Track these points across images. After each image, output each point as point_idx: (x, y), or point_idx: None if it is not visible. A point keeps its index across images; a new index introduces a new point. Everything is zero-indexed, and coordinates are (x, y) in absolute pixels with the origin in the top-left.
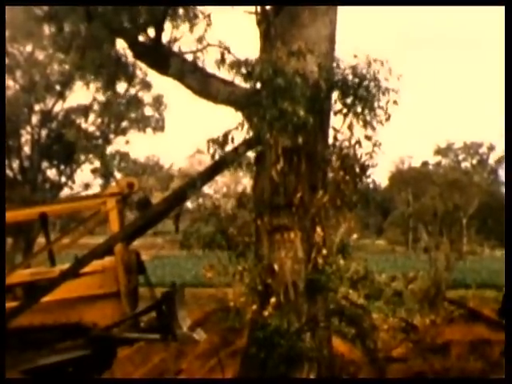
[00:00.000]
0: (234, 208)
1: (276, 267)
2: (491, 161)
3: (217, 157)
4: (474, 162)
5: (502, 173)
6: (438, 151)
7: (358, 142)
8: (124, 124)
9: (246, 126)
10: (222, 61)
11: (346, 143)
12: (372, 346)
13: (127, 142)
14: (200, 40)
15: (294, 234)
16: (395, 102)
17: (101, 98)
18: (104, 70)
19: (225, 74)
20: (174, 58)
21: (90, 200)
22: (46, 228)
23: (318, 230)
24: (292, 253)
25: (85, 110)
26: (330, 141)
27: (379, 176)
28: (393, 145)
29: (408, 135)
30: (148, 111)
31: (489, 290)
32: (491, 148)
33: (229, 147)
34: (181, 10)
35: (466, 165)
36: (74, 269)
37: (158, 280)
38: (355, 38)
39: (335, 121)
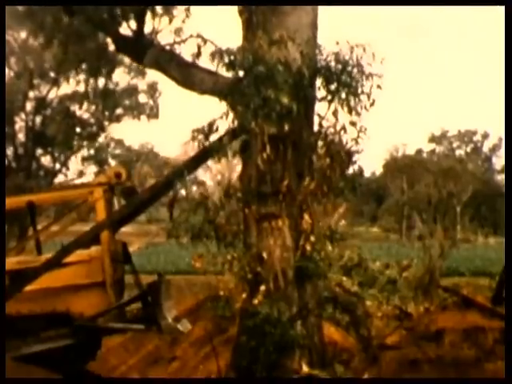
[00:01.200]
0: (221, 197)
1: (265, 255)
2: (485, 149)
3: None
4: (468, 149)
5: (495, 161)
6: (433, 139)
7: (343, 128)
8: (118, 111)
9: (231, 115)
10: (198, 54)
11: (332, 130)
12: (366, 333)
13: (106, 137)
14: (177, 32)
15: (282, 221)
16: (379, 87)
17: (95, 85)
18: (86, 64)
19: (208, 64)
20: (151, 49)
21: (77, 189)
22: (33, 217)
23: (306, 217)
24: (280, 240)
25: (79, 97)
26: (316, 128)
27: (373, 164)
28: (387, 132)
29: (402, 123)
30: (142, 98)
31: (482, 278)
32: (485, 136)
33: (214, 136)
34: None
35: (460, 153)
36: (58, 257)
37: (152, 267)
38: (349, 25)
39: (320, 108)
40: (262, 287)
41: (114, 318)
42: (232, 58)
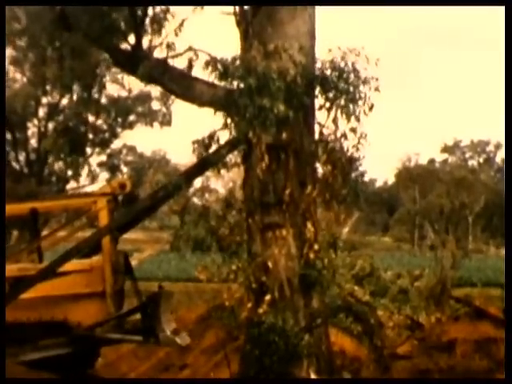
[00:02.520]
0: (224, 208)
1: (270, 264)
2: (498, 159)
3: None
4: (481, 160)
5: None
6: (445, 149)
7: (344, 135)
8: (131, 118)
9: (231, 125)
10: (190, 67)
11: (332, 137)
12: (379, 343)
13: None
14: (170, 46)
15: (286, 230)
16: (377, 89)
17: (108, 92)
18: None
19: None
20: (144, 62)
21: (81, 198)
22: (36, 223)
23: (309, 225)
24: (285, 250)
25: (92, 104)
26: (316, 136)
27: (385, 173)
28: (399, 142)
29: (415, 132)
30: (155, 105)
31: (494, 289)
32: (498, 146)
33: (214, 147)
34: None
35: (472, 163)
36: (55, 265)
37: (163, 274)
38: (355, 35)
39: (320, 116)
40: (267, 297)
41: (113, 329)
42: (225, 67)
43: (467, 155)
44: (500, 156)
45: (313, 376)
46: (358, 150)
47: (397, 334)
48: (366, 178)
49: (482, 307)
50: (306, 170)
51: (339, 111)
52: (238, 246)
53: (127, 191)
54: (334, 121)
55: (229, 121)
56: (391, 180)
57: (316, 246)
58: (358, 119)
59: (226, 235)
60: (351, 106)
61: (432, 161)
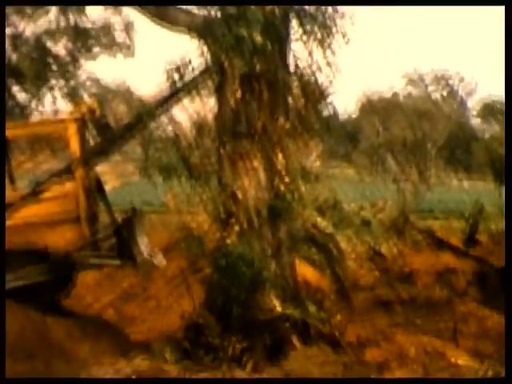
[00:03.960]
0: (195, 136)
1: (239, 195)
2: (461, 91)
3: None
4: (445, 93)
5: (471, 104)
6: (409, 81)
7: (319, 68)
8: (94, 49)
9: (207, 53)
10: None
11: (308, 70)
12: (341, 273)
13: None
14: None
15: (257, 161)
16: (352, 24)
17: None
18: None
19: None
20: None
21: (51, 125)
22: (7, 151)
23: (280, 157)
24: (255, 180)
25: (55, 34)
26: (292, 68)
27: (349, 106)
28: (363, 75)
29: (378, 65)
30: (119, 37)
31: (456, 221)
32: (461, 79)
33: (189, 75)
34: None
35: (435, 96)
36: (33, 193)
37: (128, 207)
38: None
39: (296, 48)
40: (236, 227)
41: (90, 254)
42: None
43: (430, 88)
44: (462, 89)
45: (277, 305)
46: (331, 83)
47: (359, 266)
48: (332, 111)
49: (444, 238)
50: (279, 101)
51: (315, 44)
52: (208, 175)
53: (97, 116)
54: (310, 54)
55: (205, 49)
56: (355, 113)
57: (286, 179)
58: (333, 53)
59: (196, 164)
60: (328, 39)
61: (395, 94)
